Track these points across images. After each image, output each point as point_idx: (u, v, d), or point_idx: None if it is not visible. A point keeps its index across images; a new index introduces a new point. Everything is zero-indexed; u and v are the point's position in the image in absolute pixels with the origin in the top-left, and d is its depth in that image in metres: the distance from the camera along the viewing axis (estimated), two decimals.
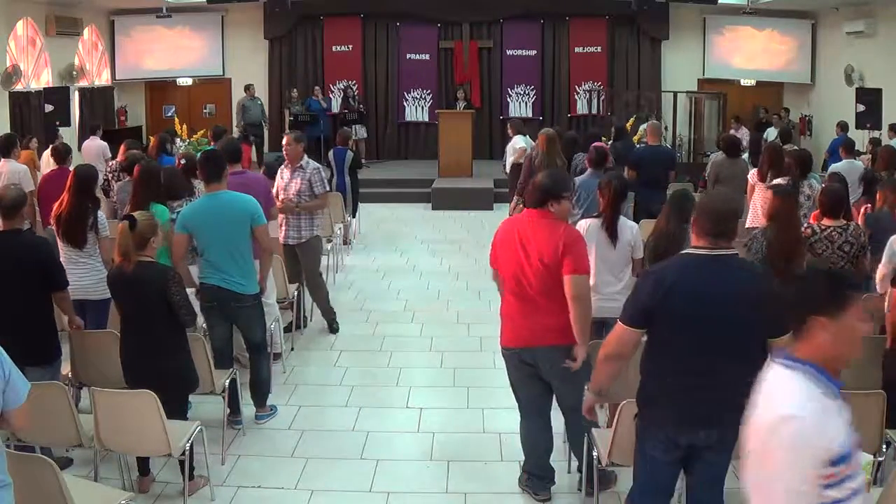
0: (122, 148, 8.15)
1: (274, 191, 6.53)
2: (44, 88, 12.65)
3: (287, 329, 6.49)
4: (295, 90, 15.16)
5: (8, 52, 11.85)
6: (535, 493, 4.22)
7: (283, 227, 6.59)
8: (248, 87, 14.80)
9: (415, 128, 16.32)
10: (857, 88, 12.75)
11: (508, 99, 16.07)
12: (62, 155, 7.67)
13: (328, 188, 6.82)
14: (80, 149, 11.05)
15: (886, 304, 4.48)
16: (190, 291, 4.62)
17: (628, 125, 11.76)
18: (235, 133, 13.24)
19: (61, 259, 4.87)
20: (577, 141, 8.99)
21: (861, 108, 12.13)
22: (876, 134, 11.38)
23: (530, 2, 15.60)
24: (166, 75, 15.91)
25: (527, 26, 15.99)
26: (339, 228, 9.25)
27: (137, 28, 15.43)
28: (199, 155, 5.92)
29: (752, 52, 15.62)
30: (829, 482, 1.94)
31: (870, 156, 9.19)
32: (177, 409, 4.20)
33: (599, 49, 15.91)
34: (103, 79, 15.26)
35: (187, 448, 3.97)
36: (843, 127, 11.22)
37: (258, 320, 5.13)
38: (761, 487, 2.04)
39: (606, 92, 15.44)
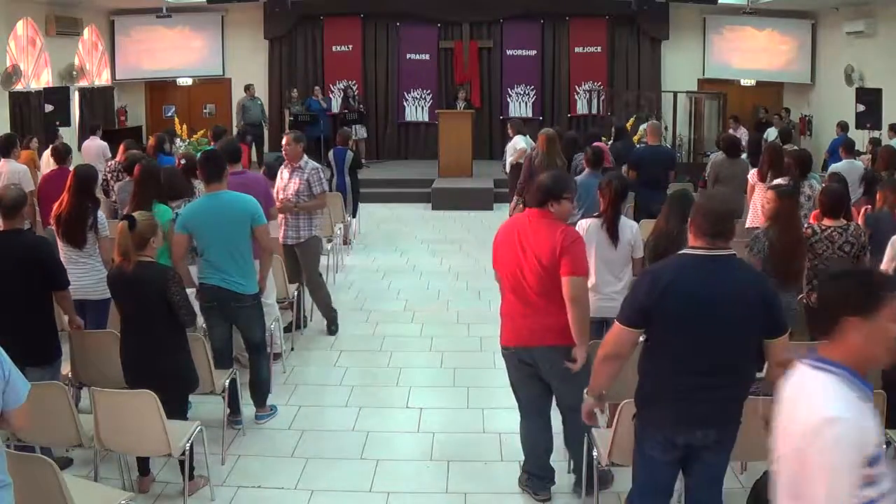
0: (121, 148, 8.16)
1: (274, 191, 6.54)
2: (44, 88, 12.65)
3: (287, 329, 6.50)
4: (295, 90, 15.17)
5: (8, 52, 11.86)
6: (535, 493, 4.22)
7: (283, 228, 6.59)
8: (248, 87, 14.80)
9: (415, 128, 16.32)
10: (857, 88, 12.75)
11: (508, 99, 16.07)
12: (62, 155, 7.67)
13: (327, 188, 6.81)
14: (80, 149, 11.05)
15: None
16: (190, 291, 4.62)
17: (628, 125, 11.77)
18: (234, 133, 13.24)
19: (61, 259, 4.87)
20: (578, 141, 8.99)
21: (861, 108, 12.13)
22: (876, 134, 11.38)
23: (530, 2, 15.60)
24: (166, 75, 15.91)
25: (527, 26, 15.99)
26: (339, 228, 9.25)
27: (137, 28, 15.43)
28: (199, 155, 5.92)
29: (752, 52, 15.62)
30: (866, 482, 1.94)
31: (870, 156, 9.20)
32: (177, 409, 4.20)
33: (599, 49, 15.92)
34: (103, 79, 15.26)
35: (187, 448, 3.97)
36: (843, 127, 11.22)
37: (258, 320, 5.13)
38: (800, 490, 2.02)
39: (606, 92, 15.45)
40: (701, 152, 13.93)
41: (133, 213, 4.37)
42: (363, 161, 12.21)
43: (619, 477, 4.13)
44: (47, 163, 8.79)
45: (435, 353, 6.45)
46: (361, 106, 15.18)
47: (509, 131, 10.90)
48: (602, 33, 15.89)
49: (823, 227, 4.94)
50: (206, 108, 16.24)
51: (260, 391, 5.20)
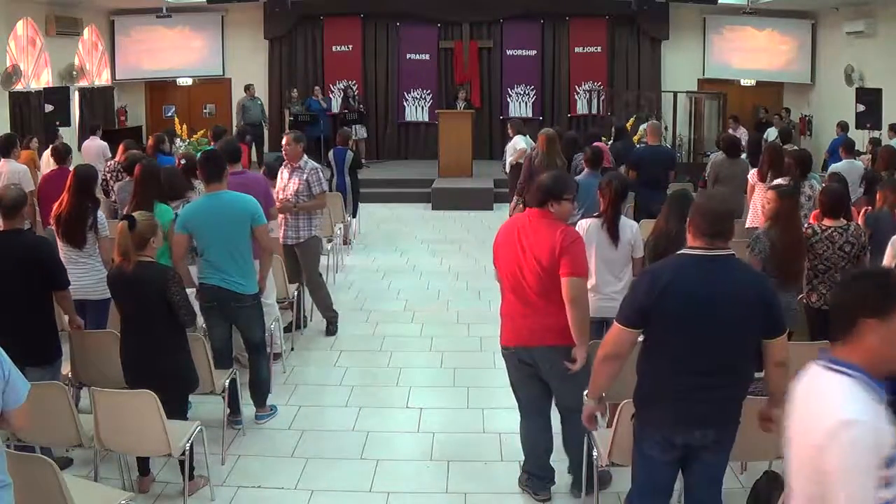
0: (120, 148, 8.16)
1: (275, 191, 6.55)
2: (44, 88, 12.65)
3: (287, 329, 6.50)
4: (295, 90, 15.17)
5: (8, 52, 11.86)
6: (535, 493, 4.22)
7: (282, 228, 6.59)
8: (248, 87, 14.81)
9: (415, 128, 16.32)
10: (857, 88, 12.75)
11: (508, 99, 16.07)
12: (62, 155, 7.67)
13: (326, 188, 6.81)
14: (80, 149, 11.05)
15: None
16: (190, 291, 4.62)
17: (628, 125, 11.77)
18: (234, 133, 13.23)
19: (61, 259, 4.87)
20: (578, 141, 8.99)
21: (861, 108, 12.13)
22: (876, 134, 11.38)
23: (530, 2, 15.60)
24: (166, 75, 15.91)
25: (527, 26, 15.99)
26: (339, 228, 9.25)
27: (137, 28, 15.43)
28: (199, 155, 5.92)
29: (752, 52, 15.62)
30: (883, 484, 1.94)
31: (870, 156, 9.19)
32: (177, 409, 4.20)
33: (599, 49, 15.92)
34: (103, 79, 15.26)
35: (187, 448, 3.97)
36: (843, 127, 11.22)
37: (258, 320, 5.13)
38: (817, 492, 2.02)
39: (606, 92, 15.45)
40: (701, 152, 13.93)
41: (133, 213, 4.37)
42: (363, 161, 12.21)
43: (619, 477, 4.13)
44: (47, 163, 8.79)
45: (435, 353, 6.45)
46: (361, 106, 15.18)
47: (509, 131, 10.90)
48: (602, 33, 15.89)
49: (824, 228, 4.94)
50: (206, 108, 16.24)
51: (260, 391, 5.19)
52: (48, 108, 12.31)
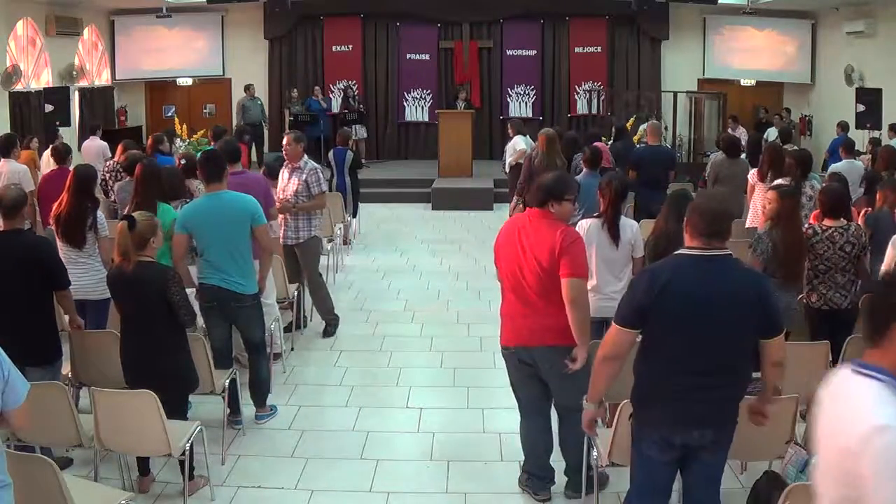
0: (119, 148, 8.16)
1: (277, 191, 6.56)
2: (44, 88, 12.65)
3: (287, 329, 6.50)
4: (295, 90, 15.17)
5: (8, 52, 11.86)
6: (535, 493, 4.22)
7: (282, 228, 6.59)
8: (248, 87, 14.82)
9: (415, 128, 16.32)
10: (857, 88, 12.75)
11: (508, 99, 16.07)
12: (62, 155, 7.67)
13: (326, 189, 6.81)
14: (80, 149, 11.05)
15: None
16: (190, 292, 4.62)
17: (628, 125, 11.77)
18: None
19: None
20: (578, 141, 9.00)
21: (861, 108, 12.13)
22: (876, 134, 11.38)
23: (530, 2, 15.60)
24: (166, 75, 15.91)
25: (527, 26, 15.99)
26: (339, 228, 9.25)
27: (137, 28, 15.43)
28: (199, 155, 5.93)
29: (752, 52, 15.62)
30: None
31: (870, 156, 9.19)
32: (177, 408, 4.20)
33: (599, 49, 15.92)
34: (103, 79, 15.26)
35: (187, 448, 3.97)
36: (843, 127, 11.22)
37: (257, 320, 5.13)
38: (849, 495, 2.00)
39: (606, 92, 15.45)
40: (701, 152, 13.93)
41: (133, 213, 4.37)
42: (363, 161, 12.21)
43: (619, 477, 4.13)
44: (47, 163, 8.79)
45: (435, 353, 6.45)
46: (361, 106, 15.18)
47: (509, 131, 10.89)
48: (602, 33, 15.89)
49: (824, 228, 4.94)
50: (206, 108, 16.24)
51: (260, 391, 5.19)
52: (48, 108, 12.31)
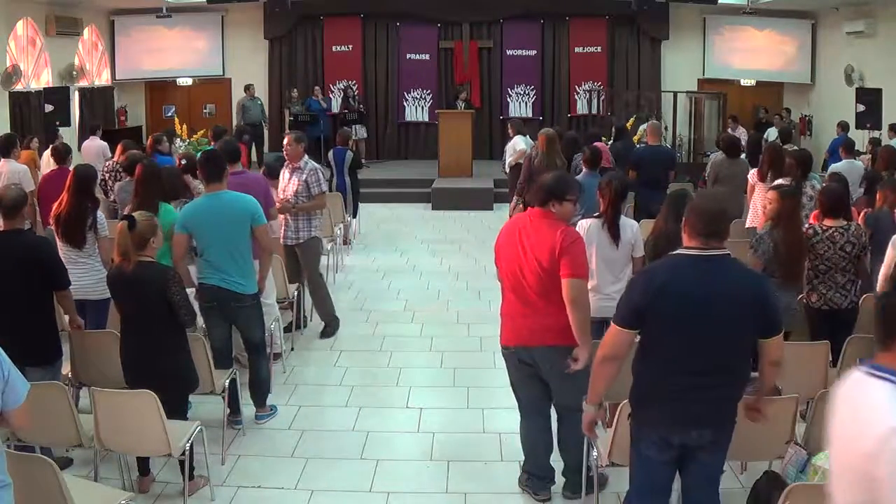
0: (118, 148, 8.16)
1: (279, 191, 6.57)
2: (44, 88, 12.65)
3: (287, 329, 6.50)
4: (295, 90, 15.17)
5: (8, 52, 11.85)
6: (535, 493, 4.22)
7: (283, 228, 6.60)
8: (248, 87, 14.82)
9: (415, 128, 16.32)
10: (857, 88, 12.75)
11: (508, 99, 16.07)
12: (62, 155, 7.67)
13: (326, 189, 6.81)
14: (79, 149, 11.05)
15: None
16: (189, 291, 4.62)
17: (628, 125, 11.77)
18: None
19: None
20: (578, 141, 8.99)
21: (861, 108, 12.13)
22: (876, 134, 11.38)
23: (530, 2, 15.60)
24: (166, 75, 15.91)
25: (527, 26, 15.99)
26: (339, 228, 9.25)
27: (137, 28, 15.42)
28: (199, 155, 5.93)
29: (752, 52, 15.62)
30: None
31: (870, 156, 9.19)
32: (177, 408, 4.20)
33: (599, 49, 15.92)
34: (103, 79, 15.26)
35: (187, 448, 3.97)
36: (843, 127, 11.22)
37: (257, 320, 5.13)
38: (865, 499, 1.98)
39: (606, 92, 15.45)
40: (701, 152, 13.92)
41: (133, 213, 4.37)
42: (363, 161, 12.21)
43: (619, 477, 4.13)
44: (47, 163, 8.79)
45: (435, 353, 6.45)
46: (361, 106, 15.18)
47: (509, 131, 10.89)
48: (602, 33, 15.89)
49: (825, 228, 4.94)
50: (206, 108, 16.24)
51: (260, 391, 5.19)
52: (48, 108, 12.31)
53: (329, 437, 4.97)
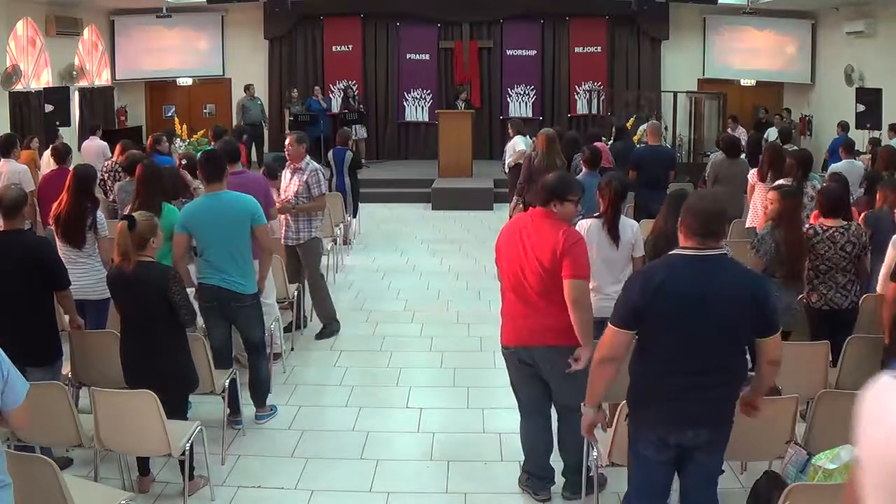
0: (117, 148, 8.16)
1: (281, 191, 6.57)
2: (44, 88, 12.65)
3: (287, 329, 6.50)
4: (295, 90, 15.17)
5: (8, 52, 11.85)
6: (535, 493, 4.22)
7: (283, 228, 6.60)
8: (248, 87, 14.82)
9: (415, 128, 16.32)
10: (857, 88, 12.75)
11: (508, 99, 16.07)
12: (62, 155, 7.67)
13: (326, 190, 6.81)
14: (79, 149, 11.05)
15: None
16: (189, 291, 4.62)
17: (628, 125, 11.77)
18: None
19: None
20: (578, 141, 8.99)
21: (861, 108, 12.13)
22: (876, 134, 11.38)
23: (530, 2, 15.60)
24: (166, 75, 15.91)
25: (527, 26, 15.99)
26: (339, 228, 9.25)
27: (137, 28, 15.43)
28: (199, 155, 5.93)
29: (752, 52, 15.62)
30: None
31: (870, 156, 9.19)
32: (177, 408, 4.20)
33: (599, 49, 15.92)
34: (103, 79, 15.26)
35: (187, 448, 3.96)
36: (843, 127, 11.22)
37: (257, 320, 5.13)
38: None
39: (606, 92, 15.45)
40: (701, 152, 13.92)
41: (133, 213, 4.37)
42: (363, 161, 12.21)
43: (618, 477, 4.12)
44: (47, 163, 8.79)
45: (435, 353, 6.45)
46: (361, 106, 15.18)
47: (510, 131, 10.89)
48: (602, 33, 15.89)
49: (825, 228, 4.94)
50: (206, 108, 16.24)
51: (260, 391, 5.19)
52: (48, 108, 12.31)
53: (329, 437, 4.97)
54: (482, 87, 16.03)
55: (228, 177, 5.17)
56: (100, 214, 5.28)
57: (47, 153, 8.93)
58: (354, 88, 15.34)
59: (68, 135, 12.08)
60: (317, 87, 15.32)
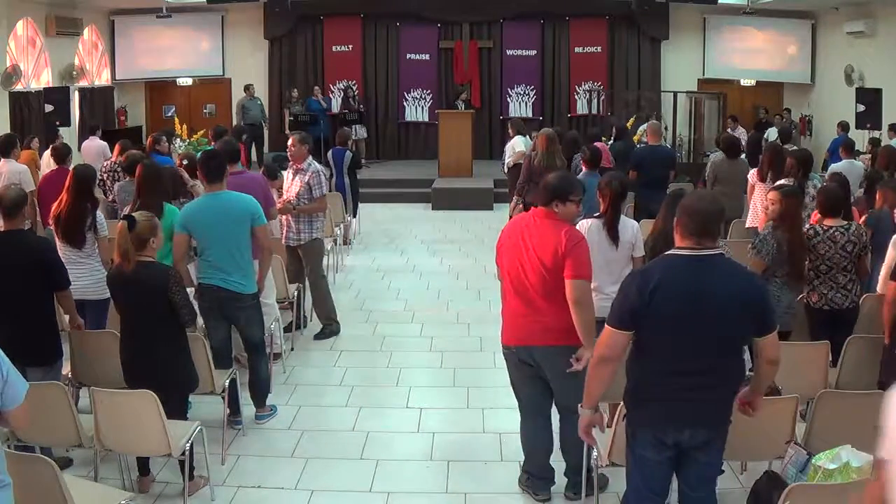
0: (116, 148, 8.15)
1: (283, 191, 6.58)
2: (44, 88, 12.65)
3: (287, 329, 6.50)
4: (295, 90, 15.17)
5: (8, 52, 11.85)
6: (535, 493, 4.22)
7: (285, 229, 6.60)
8: (247, 87, 14.81)
9: (415, 128, 16.32)
10: (857, 88, 12.74)
11: (508, 99, 16.07)
12: (62, 155, 7.67)
13: (326, 192, 6.81)
14: (79, 149, 11.05)
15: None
16: (189, 291, 4.62)
17: (628, 125, 11.77)
18: None
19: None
20: (578, 141, 8.99)
21: (861, 108, 12.13)
22: (876, 134, 11.38)
23: (530, 2, 15.60)
24: (166, 75, 15.91)
25: (527, 26, 15.99)
26: (339, 228, 9.25)
27: (137, 28, 15.43)
28: (199, 155, 5.93)
29: (752, 52, 15.62)
30: None
31: (870, 156, 9.20)
32: (177, 408, 4.20)
33: (599, 49, 15.92)
34: (103, 79, 15.26)
35: (187, 448, 3.96)
36: (843, 127, 11.22)
37: (257, 320, 5.13)
38: None
39: (606, 92, 15.45)
40: (701, 152, 13.92)
41: (133, 214, 4.37)
42: (363, 161, 12.21)
43: (618, 477, 4.12)
44: (47, 163, 8.79)
45: (435, 353, 6.45)
46: (361, 106, 15.18)
47: (510, 131, 10.90)
48: (602, 33, 15.90)
49: (825, 228, 4.94)
50: (206, 108, 16.24)
51: (260, 391, 5.19)
52: (48, 108, 12.31)
53: (329, 437, 4.97)
54: (482, 87, 16.03)
55: (228, 177, 5.17)
56: (99, 214, 5.28)
57: (47, 153, 8.93)
58: (354, 88, 15.34)
59: (68, 135, 12.08)
60: (317, 87, 15.32)
